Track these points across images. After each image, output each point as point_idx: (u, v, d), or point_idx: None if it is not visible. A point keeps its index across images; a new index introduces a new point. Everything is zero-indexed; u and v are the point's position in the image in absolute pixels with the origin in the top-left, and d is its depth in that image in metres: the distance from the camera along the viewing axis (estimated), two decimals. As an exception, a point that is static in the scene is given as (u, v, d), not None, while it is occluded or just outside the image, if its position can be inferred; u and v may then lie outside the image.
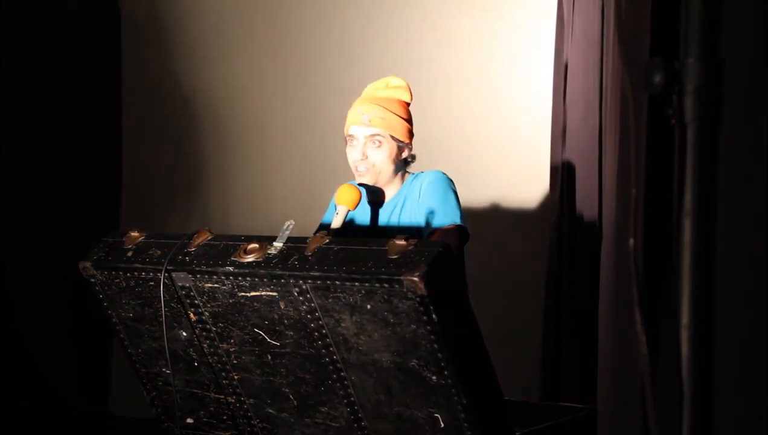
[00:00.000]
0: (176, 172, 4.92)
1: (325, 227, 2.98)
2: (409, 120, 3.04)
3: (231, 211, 4.78)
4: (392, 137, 2.99)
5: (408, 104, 3.06)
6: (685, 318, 1.25)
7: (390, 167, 3.01)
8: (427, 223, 2.91)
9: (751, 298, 1.61)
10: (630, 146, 1.91)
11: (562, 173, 3.70)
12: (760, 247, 1.57)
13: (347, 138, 3.03)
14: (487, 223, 4.01)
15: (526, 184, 4.15)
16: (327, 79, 4.52)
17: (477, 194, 4.14)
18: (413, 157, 3.09)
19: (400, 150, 3.02)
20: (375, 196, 3.07)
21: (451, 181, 2.99)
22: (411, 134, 3.05)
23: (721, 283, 1.28)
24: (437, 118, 4.24)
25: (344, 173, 3.19)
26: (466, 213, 2.99)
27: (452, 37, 4.31)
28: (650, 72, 1.26)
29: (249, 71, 4.76)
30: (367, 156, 2.99)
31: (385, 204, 3.06)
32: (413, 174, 3.09)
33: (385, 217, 3.05)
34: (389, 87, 3.05)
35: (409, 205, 3.00)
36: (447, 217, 2.89)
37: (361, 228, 3.07)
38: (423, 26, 4.38)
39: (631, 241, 1.25)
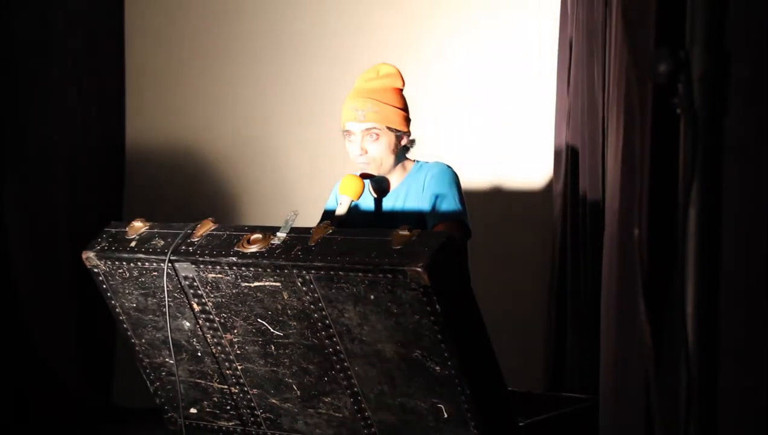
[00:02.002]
0: (180, 162, 4.92)
1: (328, 215, 2.98)
2: (404, 107, 3.01)
3: (234, 201, 4.78)
4: (389, 128, 2.97)
5: (401, 90, 3.03)
6: (690, 307, 1.25)
7: (390, 158, 3.00)
8: (430, 215, 2.91)
9: (756, 288, 1.60)
10: (635, 136, 1.90)
11: (566, 163, 3.70)
12: (765, 236, 1.57)
13: (344, 133, 3.01)
14: (490, 213, 4.01)
15: (529, 174, 4.15)
16: (330, 69, 4.51)
17: (480, 184, 4.14)
18: (413, 142, 3.07)
19: (398, 139, 3.00)
20: (379, 186, 3.06)
21: (456, 175, 2.97)
22: (408, 121, 3.02)
23: (725, 272, 1.28)
24: (440, 107, 4.23)
25: (347, 163, 3.19)
26: (470, 204, 2.99)
27: (456, 26, 4.30)
28: (656, 61, 1.26)
29: (252, 63, 4.76)
30: (366, 150, 2.97)
31: (388, 194, 3.05)
32: (418, 163, 3.06)
33: (388, 206, 3.04)
34: (380, 76, 3.01)
35: (413, 196, 2.98)
36: (450, 211, 2.88)
37: (365, 218, 3.06)
38: (426, 15, 4.37)
39: (636, 231, 1.25)
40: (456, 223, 2.87)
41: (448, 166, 2.99)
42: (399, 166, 3.04)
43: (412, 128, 3.04)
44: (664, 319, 1.55)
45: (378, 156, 2.97)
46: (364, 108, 2.94)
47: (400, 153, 3.03)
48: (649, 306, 1.27)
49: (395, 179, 3.05)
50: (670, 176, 1.43)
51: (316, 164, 4.55)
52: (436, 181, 2.93)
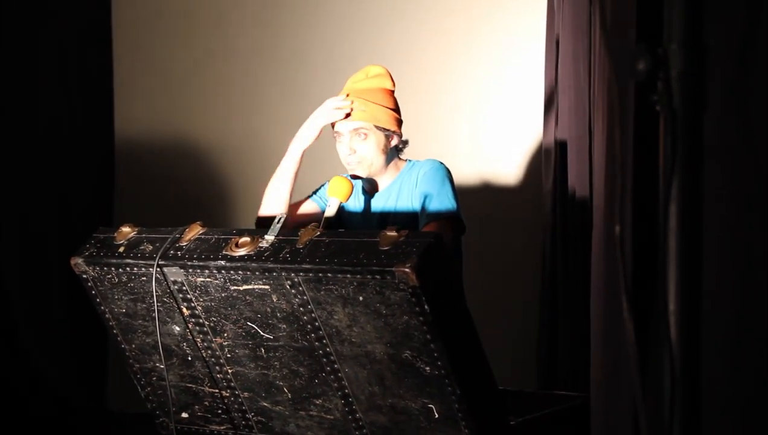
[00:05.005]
0: (170, 165, 4.91)
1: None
2: (394, 108, 3.02)
3: (224, 204, 4.78)
4: (377, 127, 2.97)
5: (392, 91, 3.04)
6: (672, 304, 1.25)
7: (380, 158, 3.00)
8: (423, 212, 2.91)
9: (737, 284, 1.61)
10: (616, 133, 1.91)
11: (555, 162, 3.70)
12: (746, 233, 1.57)
13: (334, 134, 3.02)
14: (480, 214, 4.01)
15: (518, 173, 4.15)
16: (324, 70, 4.51)
17: (469, 184, 4.15)
18: (404, 144, 3.07)
19: (387, 139, 3.00)
20: (370, 186, 3.07)
21: (449, 171, 2.98)
22: (398, 121, 3.03)
23: (707, 269, 1.28)
24: (428, 106, 4.23)
25: (339, 166, 3.19)
26: (460, 203, 2.98)
27: (444, 25, 4.30)
28: (634, 59, 1.26)
29: (245, 63, 4.75)
30: (355, 150, 2.98)
31: (381, 192, 3.06)
32: (410, 161, 3.07)
33: (380, 205, 3.05)
34: (369, 77, 3.02)
35: (406, 193, 2.99)
36: (443, 208, 2.89)
37: (359, 218, 3.07)
38: (415, 14, 4.37)
39: (617, 228, 1.25)
40: (448, 221, 2.88)
41: (441, 163, 2.99)
42: (391, 165, 3.04)
43: (402, 128, 3.05)
44: (647, 316, 1.55)
45: (367, 155, 2.98)
46: (351, 108, 2.95)
47: (391, 153, 3.04)
48: (632, 303, 1.27)
49: (387, 179, 3.05)
50: (651, 173, 1.43)
51: (307, 167, 4.54)
52: (427, 179, 2.94)
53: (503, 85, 4.18)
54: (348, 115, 2.97)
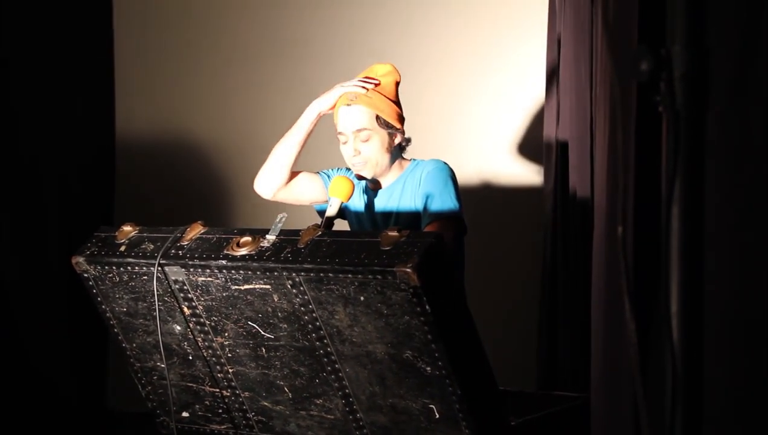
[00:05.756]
0: (171, 164, 4.91)
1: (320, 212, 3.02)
2: (397, 102, 3.03)
3: (226, 203, 4.78)
4: (379, 122, 2.96)
5: (397, 82, 3.04)
6: (674, 306, 1.25)
7: (385, 157, 3.01)
8: (425, 212, 2.91)
9: (738, 285, 1.61)
10: (618, 134, 1.91)
11: (556, 162, 3.70)
12: (747, 233, 1.57)
13: (338, 136, 3.03)
14: (481, 214, 4.02)
15: (519, 173, 4.15)
16: (325, 68, 4.51)
17: (470, 185, 4.15)
18: (407, 141, 3.08)
19: (391, 137, 3.00)
20: (373, 184, 3.08)
21: (452, 171, 2.99)
22: (401, 118, 3.03)
23: (709, 270, 1.28)
24: (429, 106, 4.23)
25: (338, 165, 3.20)
26: (462, 204, 2.98)
27: (445, 25, 4.30)
28: (637, 59, 1.26)
29: (246, 62, 4.75)
30: (360, 151, 2.98)
31: (384, 190, 3.06)
32: (414, 160, 3.07)
33: (383, 202, 3.05)
34: (377, 76, 3.04)
35: (409, 192, 2.99)
36: (445, 208, 2.89)
37: (362, 217, 3.08)
38: (415, 14, 4.37)
39: (620, 229, 1.25)
40: (450, 221, 2.88)
41: (444, 163, 3.00)
42: (395, 165, 3.05)
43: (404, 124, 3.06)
44: (649, 316, 1.56)
45: (372, 155, 2.98)
46: (355, 92, 2.96)
47: (395, 152, 3.04)
48: (634, 304, 1.28)
49: (391, 178, 3.05)
50: (653, 174, 1.44)
51: (307, 166, 4.54)
52: (431, 178, 2.94)
53: (504, 84, 4.18)
54: (360, 95, 2.97)
